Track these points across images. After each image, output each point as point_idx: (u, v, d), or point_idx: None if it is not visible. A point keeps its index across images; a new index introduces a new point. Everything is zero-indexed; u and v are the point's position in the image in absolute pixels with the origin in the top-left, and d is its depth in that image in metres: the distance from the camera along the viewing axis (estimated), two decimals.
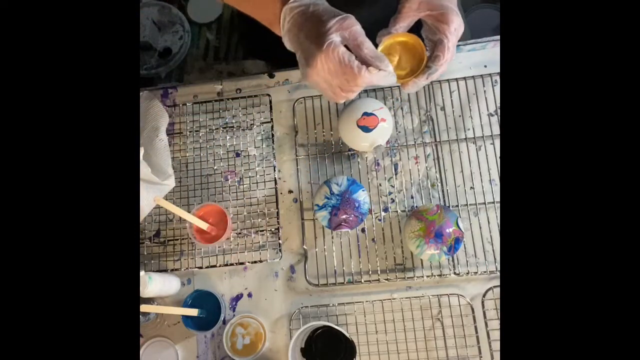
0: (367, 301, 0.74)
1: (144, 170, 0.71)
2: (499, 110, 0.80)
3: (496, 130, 0.79)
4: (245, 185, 0.82)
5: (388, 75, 0.55)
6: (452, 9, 0.59)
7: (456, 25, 0.58)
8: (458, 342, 0.72)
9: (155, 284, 0.71)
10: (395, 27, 0.60)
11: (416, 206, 0.77)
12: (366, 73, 0.53)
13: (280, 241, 0.78)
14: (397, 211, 0.78)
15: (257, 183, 0.81)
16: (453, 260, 0.75)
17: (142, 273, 0.69)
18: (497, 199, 0.76)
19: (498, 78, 0.80)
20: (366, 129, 0.72)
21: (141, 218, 0.78)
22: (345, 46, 0.54)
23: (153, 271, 0.76)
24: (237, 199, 0.81)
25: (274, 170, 0.81)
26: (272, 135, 0.83)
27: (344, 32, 0.53)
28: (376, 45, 0.60)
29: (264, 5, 0.60)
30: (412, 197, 0.78)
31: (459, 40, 0.60)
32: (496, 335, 0.71)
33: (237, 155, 0.83)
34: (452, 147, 0.79)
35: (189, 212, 0.72)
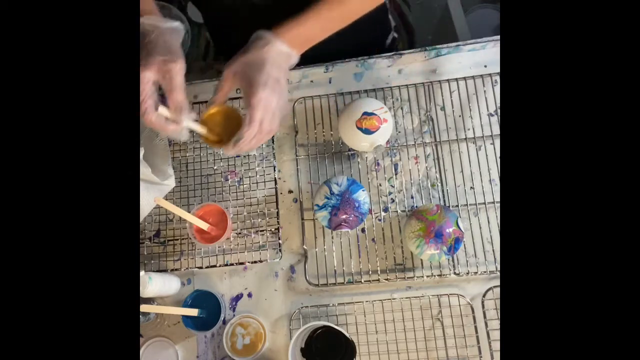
0: (367, 301, 0.74)
1: (144, 170, 0.71)
2: (499, 110, 0.80)
3: (496, 130, 0.79)
4: (245, 185, 0.82)
5: (178, 129, 0.58)
6: (259, 82, 0.58)
7: (260, 97, 0.58)
8: (458, 342, 0.72)
9: (155, 284, 0.71)
10: (217, 95, 0.62)
11: (416, 206, 0.77)
12: (151, 115, 0.56)
13: (280, 241, 0.78)
14: (397, 211, 0.78)
15: (257, 183, 0.81)
16: (453, 260, 0.75)
17: (142, 273, 0.69)
18: (497, 199, 0.76)
19: (498, 78, 0.80)
20: (367, 132, 0.72)
21: (141, 218, 0.78)
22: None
23: (153, 271, 0.76)
24: (237, 199, 0.81)
25: (274, 170, 0.81)
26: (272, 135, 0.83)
27: (163, 73, 0.57)
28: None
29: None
30: (412, 197, 0.78)
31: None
32: (496, 335, 0.71)
33: (237, 155, 0.83)
34: (452, 147, 0.79)
35: (189, 212, 0.72)
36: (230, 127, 0.66)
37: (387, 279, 0.75)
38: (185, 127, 0.59)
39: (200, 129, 0.64)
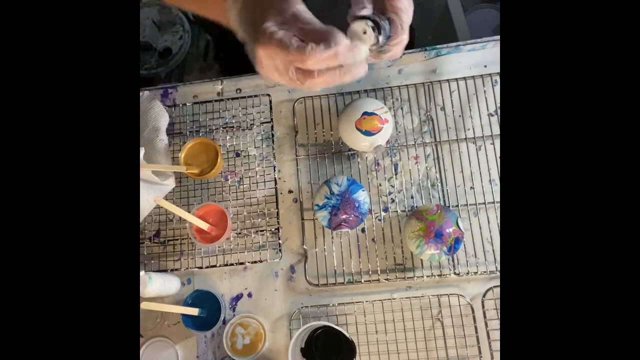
0: (367, 301, 0.74)
1: (144, 170, 0.71)
2: (499, 110, 0.80)
3: (496, 130, 0.79)
4: (245, 185, 0.82)
5: (354, 50, 0.48)
6: None
7: (405, 3, 0.53)
8: (458, 342, 0.72)
9: (155, 284, 0.71)
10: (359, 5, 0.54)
11: (416, 206, 0.77)
12: (315, 51, 0.44)
13: (280, 241, 0.78)
14: (397, 211, 0.78)
15: (257, 183, 0.81)
16: (453, 260, 0.75)
17: (142, 273, 0.69)
18: (497, 199, 0.76)
19: (498, 78, 0.80)
20: (368, 134, 0.72)
21: (141, 218, 0.78)
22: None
23: (153, 271, 0.76)
24: (237, 199, 0.81)
25: (274, 170, 0.81)
26: (272, 135, 0.83)
27: (281, 16, 0.47)
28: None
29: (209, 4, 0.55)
30: (412, 197, 0.78)
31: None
32: (496, 335, 0.71)
33: (237, 155, 0.83)
34: (452, 147, 0.79)
35: (189, 212, 0.72)
36: (208, 155, 0.78)
37: (387, 279, 0.75)
38: (171, 177, 0.67)
39: (179, 168, 0.75)
